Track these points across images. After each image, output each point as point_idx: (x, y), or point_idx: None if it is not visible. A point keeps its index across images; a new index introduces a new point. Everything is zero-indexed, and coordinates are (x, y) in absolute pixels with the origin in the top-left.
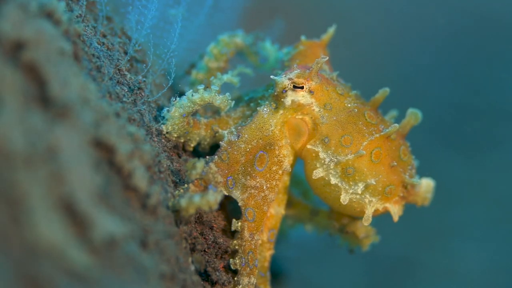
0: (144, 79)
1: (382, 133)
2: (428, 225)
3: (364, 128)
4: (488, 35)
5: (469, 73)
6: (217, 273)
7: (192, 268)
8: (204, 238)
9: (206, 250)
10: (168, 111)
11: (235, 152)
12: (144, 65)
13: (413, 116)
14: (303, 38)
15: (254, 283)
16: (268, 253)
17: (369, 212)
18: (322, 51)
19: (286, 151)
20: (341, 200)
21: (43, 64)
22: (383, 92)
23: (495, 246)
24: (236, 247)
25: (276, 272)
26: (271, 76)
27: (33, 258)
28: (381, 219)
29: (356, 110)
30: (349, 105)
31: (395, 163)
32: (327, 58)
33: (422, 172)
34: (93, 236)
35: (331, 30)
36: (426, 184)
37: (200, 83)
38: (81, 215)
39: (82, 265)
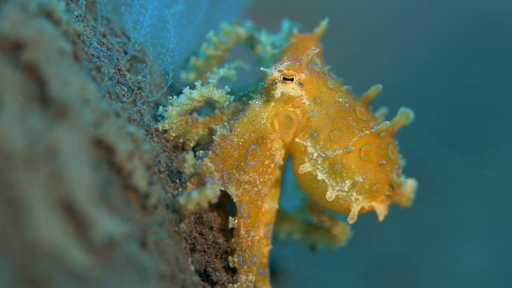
0: (144, 79)
1: (372, 130)
2: (428, 225)
3: (354, 124)
4: (488, 35)
5: (469, 73)
6: (217, 273)
7: (192, 268)
8: (204, 238)
9: (206, 250)
10: (165, 110)
11: (228, 146)
12: (144, 65)
13: (404, 115)
14: (295, 31)
15: (253, 281)
16: (266, 249)
17: (355, 210)
18: (314, 45)
19: (278, 144)
20: (326, 197)
21: (43, 64)
22: (375, 88)
23: (495, 246)
24: (234, 245)
25: (275, 270)
26: (261, 68)
27: (33, 258)
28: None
29: (347, 105)
30: (340, 99)
31: (384, 162)
32: (318, 50)
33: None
34: (93, 236)
35: (324, 24)
36: (410, 185)
37: (198, 70)
38: (81, 215)
39: (82, 265)
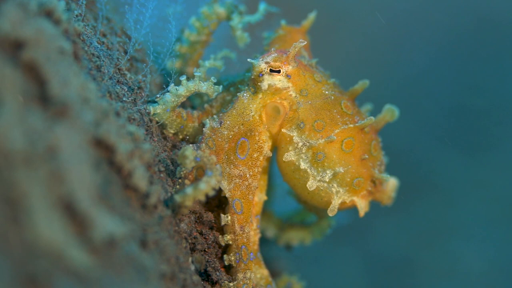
0: (144, 78)
1: (356, 124)
2: (428, 225)
3: (339, 116)
4: (488, 36)
5: (470, 74)
6: (217, 273)
7: (192, 268)
8: (204, 238)
9: (206, 250)
10: (147, 111)
11: (219, 139)
12: (144, 64)
13: (390, 112)
14: (283, 23)
15: (251, 278)
16: (257, 237)
17: (335, 202)
18: (302, 37)
19: (265, 136)
20: (307, 186)
21: (43, 63)
22: (362, 83)
23: (495, 246)
24: (230, 241)
25: (276, 271)
26: (248, 60)
27: (33, 258)
28: (381, 219)
29: (332, 97)
30: (326, 92)
31: (366, 156)
32: (305, 42)
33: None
34: (93, 236)
35: (312, 16)
36: (392, 183)
37: (183, 56)
38: (81, 215)
39: (82, 265)
